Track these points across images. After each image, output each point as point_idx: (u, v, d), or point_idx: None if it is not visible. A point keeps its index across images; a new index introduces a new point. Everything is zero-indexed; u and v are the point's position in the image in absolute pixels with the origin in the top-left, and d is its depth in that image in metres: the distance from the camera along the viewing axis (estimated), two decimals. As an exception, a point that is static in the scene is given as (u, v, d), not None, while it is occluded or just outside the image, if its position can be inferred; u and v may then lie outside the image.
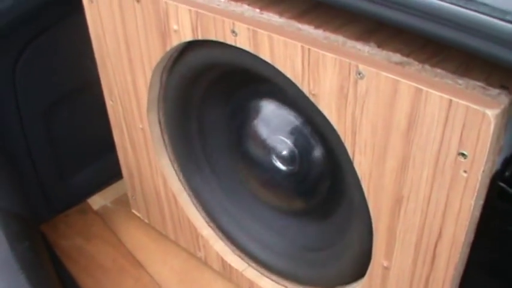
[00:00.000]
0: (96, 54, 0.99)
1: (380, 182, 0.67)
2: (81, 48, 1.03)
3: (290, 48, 0.66)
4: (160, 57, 0.86)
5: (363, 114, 0.64)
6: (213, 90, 0.91)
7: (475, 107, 0.54)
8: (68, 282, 1.09)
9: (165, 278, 1.10)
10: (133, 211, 1.22)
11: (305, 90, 0.68)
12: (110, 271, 1.12)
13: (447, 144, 0.58)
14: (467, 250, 0.65)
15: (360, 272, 0.80)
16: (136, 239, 1.18)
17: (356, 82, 0.62)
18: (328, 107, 0.67)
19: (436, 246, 0.65)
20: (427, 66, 0.60)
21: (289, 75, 0.69)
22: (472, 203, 0.59)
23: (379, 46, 0.63)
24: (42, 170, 1.16)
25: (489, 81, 0.57)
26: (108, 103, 1.06)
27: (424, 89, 0.57)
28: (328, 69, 0.64)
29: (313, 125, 0.80)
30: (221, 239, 1.05)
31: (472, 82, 0.57)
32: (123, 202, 1.24)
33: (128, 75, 0.95)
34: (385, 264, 0.73)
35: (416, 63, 0.61)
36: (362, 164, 0.68)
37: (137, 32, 0.87)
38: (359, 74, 0.61)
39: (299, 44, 0.65)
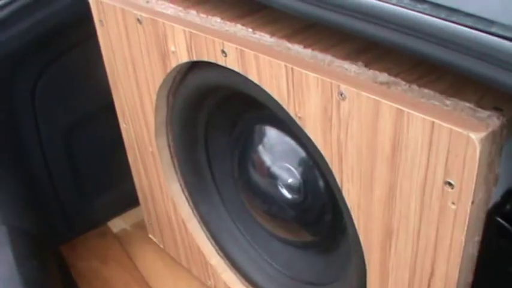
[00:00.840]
0: (109, 76, 1.00)
1: (369, 212, 0.61)
2: (99, 71, 1.04)
3: (275, 68, 0.63)
4: (163, 79, 0.85)
5: (348, 138, 0.59)
6: (217, 116, 0.89)
7: (458, 130, 0.48)
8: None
9: (175, 306, 1.08)
10: (150, 236, 1.21)
11: (291, 113, 0.64)
12: (121, 296, 1.10)
13: (433, 172, 0.52)
14: (465, 292, 0.59)
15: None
16: (150, 265, 1.16)
17: (339, 103, 0.58)
18: (314, 131, 0.63)
19: (429, 285, 0.59)
20: (414, 86, 0.55)
21: (276, 97, 0.66)
22: (463, 238, 0.53)
23: (366, 65, 0.59)
24: (62, 192, 1.17)
25: (482, 103, 0.52)
26: (122, 126, 1.06)
27: (406, 110, 0.52)
28: (311, 89, 0.60)
29: (306, 151, 0.76)
30: (229, 268, 1.01)
31: (462, 103, 0.52)
32: (143, 226, 1.23)
33: (136, 97, 0.95)
34: (379, 303, 0.66)
35: (403, 83, 0.56)
36: (350, 192, 0.63)
37: (141, 54, 0.86)
38: (341, 94, 0.57)
39: (283, 64, 0.62)
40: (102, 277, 1.14)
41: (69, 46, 1.04)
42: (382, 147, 0.56)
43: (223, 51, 0.70)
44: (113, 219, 1.28)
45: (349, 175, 0.61)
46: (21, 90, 1.04)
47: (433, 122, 0.50)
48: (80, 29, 1.03)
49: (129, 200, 1.27)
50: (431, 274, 0.58)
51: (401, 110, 0.52)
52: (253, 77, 0.67)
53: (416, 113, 0.51)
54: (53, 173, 1.14)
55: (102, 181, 1.23)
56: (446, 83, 0.55)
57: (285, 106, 0.65)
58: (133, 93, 0.95)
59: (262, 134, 0.86)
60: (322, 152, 0.63)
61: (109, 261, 1.18)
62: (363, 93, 0.55)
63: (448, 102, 0.52)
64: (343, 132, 0.59)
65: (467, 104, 0.52)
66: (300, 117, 0.64)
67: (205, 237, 1.03)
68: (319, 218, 0.84)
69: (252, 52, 0.65)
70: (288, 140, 0.82)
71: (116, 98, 1.02)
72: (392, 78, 0.57)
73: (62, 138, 1.13)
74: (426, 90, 0.54)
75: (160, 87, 0.87)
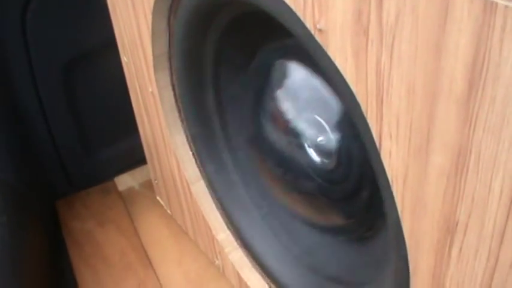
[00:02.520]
0: (106, -5, 0.80)
1: (420, 191, 0.38)
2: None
3: (286, -50, 0.40)
4: (156, -9, 0.63)
5: (393, 63, 0.35)
6: (228, 46, 0.67)
7: None
8: (65, 269, 0.92)
9: (174, 285, 0.88)
10: (158, 198, 1.01)
11: (308, 25, 0.41)
12: (114, 266, 0.92)
13: (544, 126, 0.28)
14: None
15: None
16: (154, 231, 0.97)
17: (381, 2, 0.34)
18: (340, 53, 0.39)
19: (512, 324, 0.35)
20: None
21: (287, 1, 0.42)
22: None
23: None
24: (60, 139, 0.99)
25: None
26: (123, 60, 0.86)
27: (502, 2, 0.27)
28: (338, -20, 0.36)
29: (340, 94, 0.53)
30: (240, 247, 0.80)
31: None
32: (153, 186, 1.04)
33: (133, 20, 0.74)
34: (425, 334, 0.43)
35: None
36: (392, 156, 0.39)
37: (132, -43, 0.65)
38: (385, -16, 0.33)
39: None
40: (96, 241, 0.96)
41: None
42: (451, 78, 0.32)
43: None
44: (121, 174, 1.10)
45: (392, 127, 0.38)
46: (9, 16, 0.85)
47: (557, 25, 0.25)
48: None
49: (141, 153, 1.08)
50: (519, 305, 0.34)
51: (493, 3, 0.28)
52: (257, -30, 0.44)
53: (523, 9, 0.27)
54: (48, 117, 0.96)
55: (108, 130, 1.04)
56: None
57: (299, 14, 0.41)
58: (129, 15, 0.74)
59: (283, 73, 0.63)
60: (353, 87, 0.40)
61: (106, 224, 0.99)
62: (424, -24, 0.31)
63: None
64: (386, 53, 0.35)
65: None
66: (320, 30, 0.40)
67: (212, 206, 0.82)
68: (354, 194, 0.61)
69: None
70: (317, 81, 0.59)
71: (115, 25, 0.82)
72: (480, -41, 0.32)
73: (60, 77, 0.94)
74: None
75: (156, 2, 0.65)
